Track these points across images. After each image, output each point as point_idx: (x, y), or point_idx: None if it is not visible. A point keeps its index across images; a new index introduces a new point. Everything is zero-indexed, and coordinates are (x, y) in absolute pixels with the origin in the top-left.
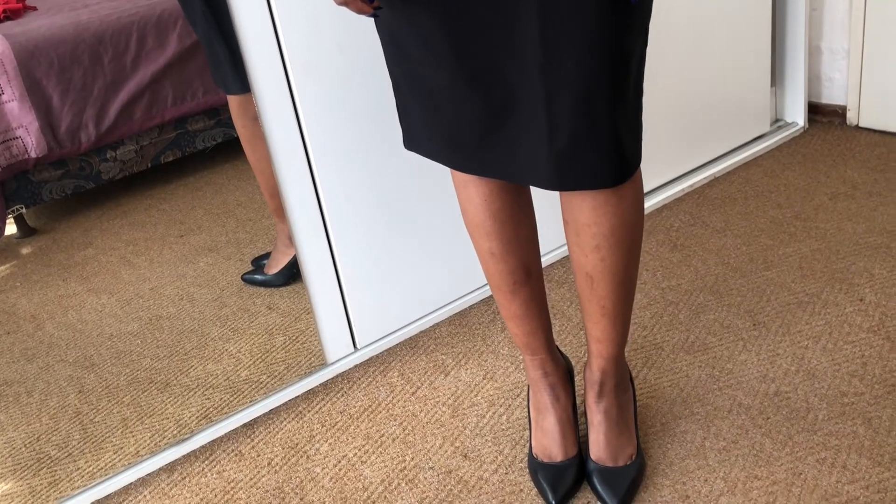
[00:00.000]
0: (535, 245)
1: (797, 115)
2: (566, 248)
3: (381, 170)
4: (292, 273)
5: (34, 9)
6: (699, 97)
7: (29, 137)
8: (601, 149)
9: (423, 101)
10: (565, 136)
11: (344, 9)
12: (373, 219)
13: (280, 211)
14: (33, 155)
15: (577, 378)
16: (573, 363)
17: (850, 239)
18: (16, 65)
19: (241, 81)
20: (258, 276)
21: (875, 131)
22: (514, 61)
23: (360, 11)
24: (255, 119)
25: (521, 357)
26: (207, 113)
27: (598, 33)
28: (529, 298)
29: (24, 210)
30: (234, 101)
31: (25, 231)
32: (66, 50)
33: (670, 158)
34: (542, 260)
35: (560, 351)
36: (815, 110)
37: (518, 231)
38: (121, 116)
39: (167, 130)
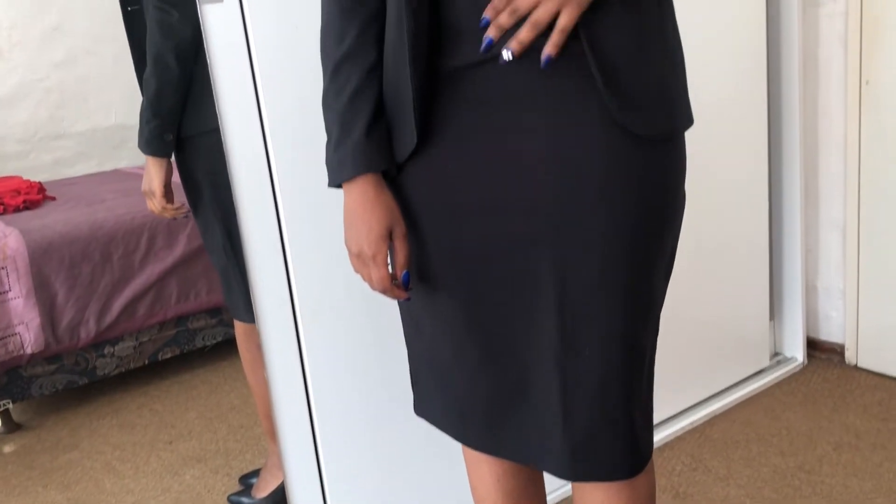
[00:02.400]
0: None
1: (796, 350)
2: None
3: (382, 420)
4: (281, 499)
5: (53, 199)
6: (699, 330)
7: (28, 334)
8: (617, 440)
9: (436, 375)
10: (581, 427)
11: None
12: (370, 463)
13: (274, 433)
14: (29, 351)
15: None
16: None
17: (857, 499)
18: (28, 262)
19: (251, 312)
20: (245, 500)
21: (874, 373)
22: (531, 348)
23: (395, 297)
24: (259, 346)
25: None
26: (209, 312)
27: (617, 328)
28: None
29: (10, 405)
30: (241, 327)
31: (10, 426)
32: (78, 248)
33: (671, 392)
34: None
35: None
36: (815, 346)
37: None
38: (123, 313)
39: (168, 327)
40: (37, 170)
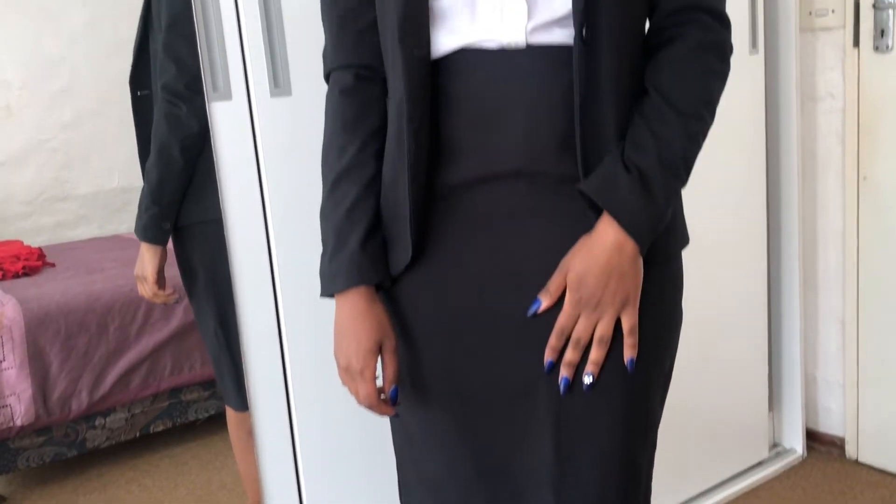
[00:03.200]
0: None
1: (795, 442)
2: None
3: None
4: None
5: (52, 265)
6: (697, 420)
7: (19, 406)
8: None
9: (428, 487)
10: None
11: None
12: None
13: None
14: (19, 423)
15: None
16: None
17: None
18: (24, 332)
19: (242, 400)
20: None
21: (876, 469)
22: (525, 469)
23: (381, 413)
24: (250, 434)
25: None
26: (203, 384)
27: (615, 448)
28: None
29: None
30: (232, 414)
31: None
32: (75, 319)
33: (669, 484)
34: None
35: None
36: (814, 437)
37: None
38: (117, 385)
39: (161, 399)
40: (38, 232)
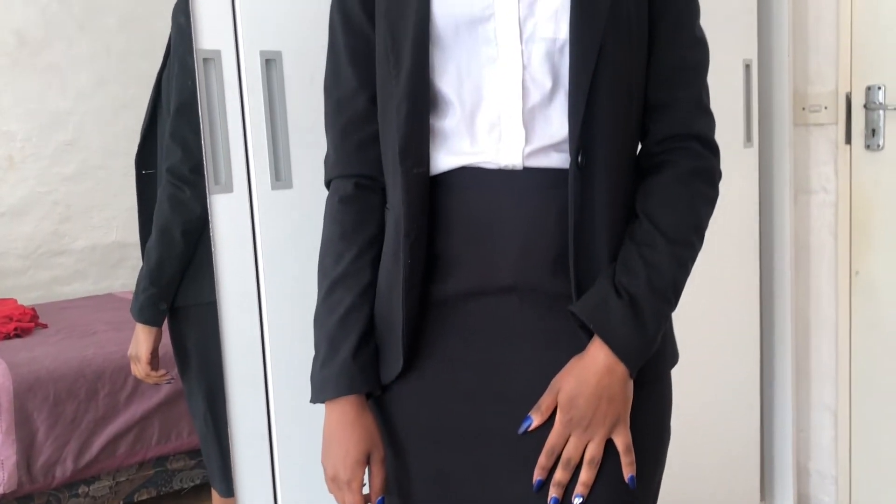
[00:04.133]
0: None
1: None
2: None
3: None
4: None
5: (45, 326)
6: None
7: (2, 472)
8: None
9: None
10: None
11: None
12: None
13: None
14: (0, 491)
15: None
16: None
17: None
18: (12, 398)
19: (227, 486)
20: None
21: None
22: None
23: None
24: None
25: None
26: (189, 453)
27: None
28: None
29: None
30: (217, 499)
31: None
32: (65, 385)
33: None
34: None
35: None
36: None
37: None
38: (103, 452)
39: (146, 468)
40: (33, 287)
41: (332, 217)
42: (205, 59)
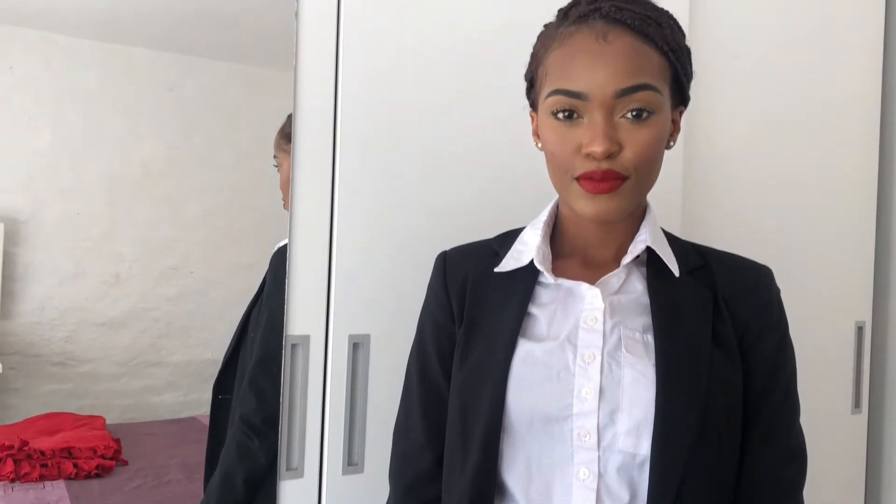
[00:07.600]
0: None
1: None
2: None
3: None
4: None
5: (125, 463)
6: None
7: None
8: None
9: None
10: None
11: None
12: None
13: None
14: None
15: None
16: None
17: None
18: None
19: None
20: None
21: None
22: None
23: None
24: None
25: None
26: None
27: None
28: None
29: None
30: None
31: None
32: None
33: None
34: None
35: None
36: None
37: None
38: None
39: None
40: (125, 395)
41: None
42: (293, 345)
